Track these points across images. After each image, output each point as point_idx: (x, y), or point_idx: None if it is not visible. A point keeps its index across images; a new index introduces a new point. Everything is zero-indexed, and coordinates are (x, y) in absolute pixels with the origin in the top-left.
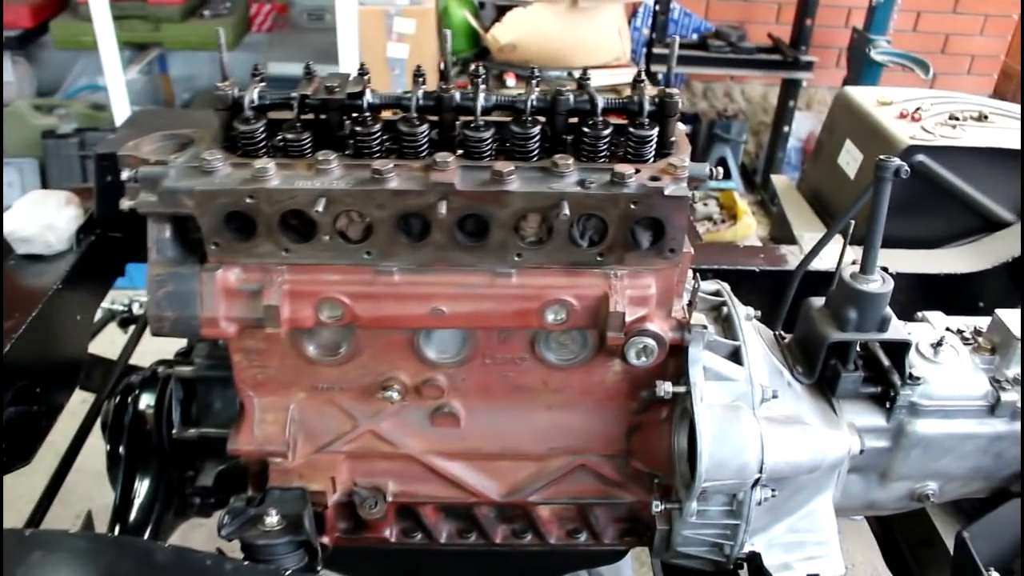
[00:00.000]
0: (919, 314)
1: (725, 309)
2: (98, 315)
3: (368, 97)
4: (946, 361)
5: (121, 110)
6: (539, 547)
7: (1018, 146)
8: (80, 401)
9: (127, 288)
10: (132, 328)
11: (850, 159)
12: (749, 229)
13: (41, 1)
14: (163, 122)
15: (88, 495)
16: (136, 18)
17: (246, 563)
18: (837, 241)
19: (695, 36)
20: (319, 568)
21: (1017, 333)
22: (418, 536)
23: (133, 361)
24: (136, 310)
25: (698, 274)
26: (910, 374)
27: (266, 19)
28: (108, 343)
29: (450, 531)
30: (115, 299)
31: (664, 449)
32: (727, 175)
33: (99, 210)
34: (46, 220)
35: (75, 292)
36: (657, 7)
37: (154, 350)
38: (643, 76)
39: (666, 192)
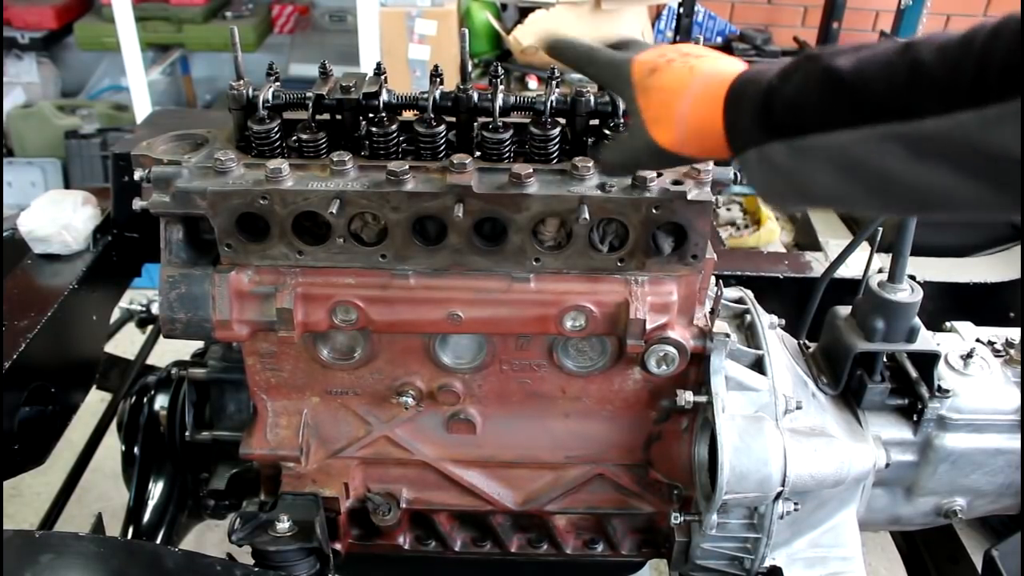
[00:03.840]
0: (948, 324)
1: (748, 317)
2: (116, 315)
3: (384, 97)
4: (976, 373)
5: (143, 111)
6: (555, 557)
7: None
8: (100, 400)
9: (147, 288)
10: (150, 328)
11: None
12: (773, 235)
13: (66, 3)
14: (181, 122)
15: (105, 495)
16: (159, 19)
17: (256, 569)
18: (864, 248)
19: (719, 39)
20: (331, 575)
21: None
22: (432, 544)
23: (154, 361)
24: (154, 310)
25: (721, 281)
26: (939, 386)
27: (288, 20)
28: (128, 343)
29: (465, 539)
30: (133, 299)
31: (684, 460)
32: None
33: (116, 210)
34: (63, 220)
35: (91, 292)
36: (681, 10)
37: (174, 350)
38: None
39: (689, 196)
